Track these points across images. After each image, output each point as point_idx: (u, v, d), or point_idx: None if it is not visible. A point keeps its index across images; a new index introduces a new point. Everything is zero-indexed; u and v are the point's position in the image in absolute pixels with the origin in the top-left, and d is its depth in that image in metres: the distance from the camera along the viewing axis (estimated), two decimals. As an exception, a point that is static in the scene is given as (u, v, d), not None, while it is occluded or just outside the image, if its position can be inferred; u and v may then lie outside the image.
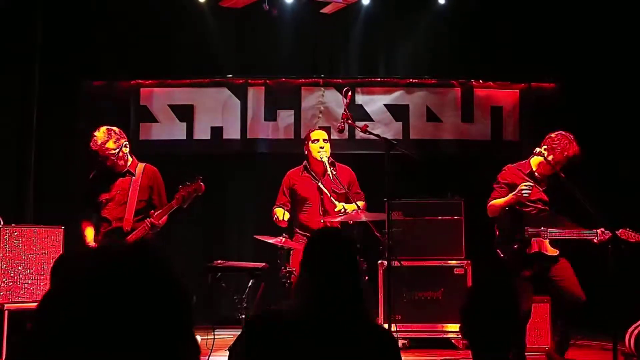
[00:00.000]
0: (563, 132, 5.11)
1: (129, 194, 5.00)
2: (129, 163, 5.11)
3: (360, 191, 5.55)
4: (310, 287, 2.28)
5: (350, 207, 5.20)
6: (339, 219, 5.14)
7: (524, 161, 5.27)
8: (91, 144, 4.93)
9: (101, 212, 5.05)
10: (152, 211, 4.90)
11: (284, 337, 2.17)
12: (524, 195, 4.90)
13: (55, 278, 2.44)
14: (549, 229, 4.97)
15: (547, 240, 4.98)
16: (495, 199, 5.11)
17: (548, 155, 5.02)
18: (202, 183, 4.79)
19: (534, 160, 5.17)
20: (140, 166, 5.13)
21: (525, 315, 4.96)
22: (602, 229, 4.91)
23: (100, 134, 4.94)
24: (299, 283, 2.38)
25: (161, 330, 1.05)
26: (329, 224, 5.19)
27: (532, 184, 4.94)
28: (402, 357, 2.27)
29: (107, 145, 4.91)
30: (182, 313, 1.09)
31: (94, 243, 5.02)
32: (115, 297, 1.04)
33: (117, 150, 4.94)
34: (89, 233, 5.06)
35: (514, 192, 4.94)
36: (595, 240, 4.94)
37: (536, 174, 5.14)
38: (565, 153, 5.00)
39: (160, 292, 1.07)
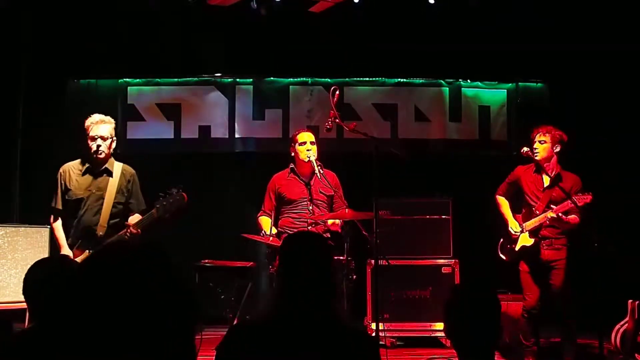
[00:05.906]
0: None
1: (105, 196, 4.50)
2: (108, 160, 4.64)
3: (344, 199, 5.30)
4: (284, 290, 2.30)
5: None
6: (326, 217, 5.11)
7: None
8: (86, 120, 4.57)
9: (73, 213, 4.55)
10: (130, 221, 4.48)
11: (262, 343, 2.17)
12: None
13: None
14: (525, 222, 5.26)
15: (527, 233, 5.25)
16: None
17: None
18: (184, 194, 4.39)
19: None
20: (119, 165, 4.62)
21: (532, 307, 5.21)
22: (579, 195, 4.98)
23: (98, 114, 4.62)
24: (276, 286, 2.39)
25: (163, 330, 1.05)
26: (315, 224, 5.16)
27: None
28: (391, 357, 2.27)
29: (102, 124, 4.53)
30: (185, 315, 1.09)
31: (68, 249, 4.48)
32: (123, 297, 1.03)
33: (110, 138, 4.57)
34: (62, 238, 4.58)
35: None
36: (578, 204, 4.92)
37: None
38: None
39: (167, 293, 1.07)
